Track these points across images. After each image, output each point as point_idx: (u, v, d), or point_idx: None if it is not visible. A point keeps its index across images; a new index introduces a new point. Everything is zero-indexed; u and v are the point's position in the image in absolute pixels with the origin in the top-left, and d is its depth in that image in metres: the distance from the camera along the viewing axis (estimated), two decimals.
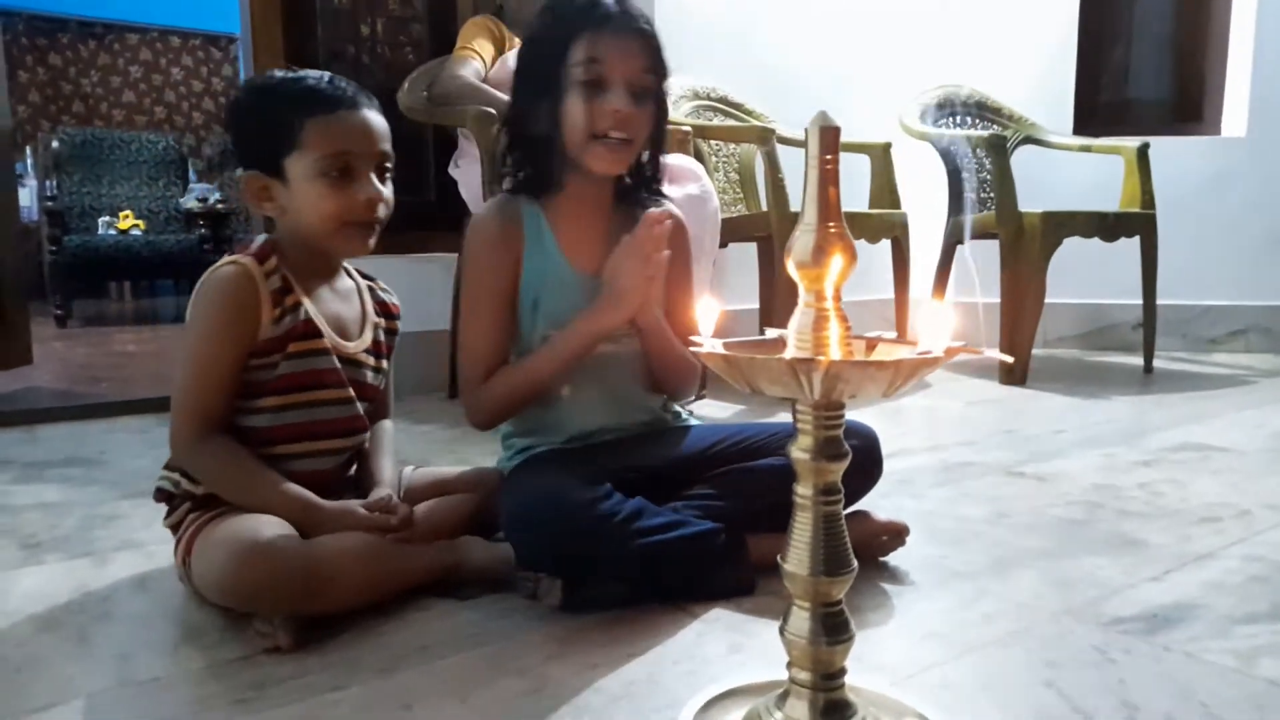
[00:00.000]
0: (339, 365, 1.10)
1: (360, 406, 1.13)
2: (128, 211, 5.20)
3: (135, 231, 5.06)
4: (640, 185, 1.17)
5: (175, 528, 1.07)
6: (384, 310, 1.20)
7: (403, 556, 1.04)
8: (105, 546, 1.26)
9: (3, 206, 2.65)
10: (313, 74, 1.07)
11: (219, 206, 5.14)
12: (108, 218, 5.12)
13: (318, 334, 1.08)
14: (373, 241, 1.09)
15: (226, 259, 1.06)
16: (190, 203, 5.25)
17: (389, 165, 1.09)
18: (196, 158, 6.67)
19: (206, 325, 1.03)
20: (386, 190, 1.09)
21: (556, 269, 1.12)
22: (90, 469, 1.72)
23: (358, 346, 1.13)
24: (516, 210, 1.13)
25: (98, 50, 7.31)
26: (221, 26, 7.58)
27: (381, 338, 1.18)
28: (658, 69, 1.07)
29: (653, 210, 1.07)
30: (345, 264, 1.17)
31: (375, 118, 1.07)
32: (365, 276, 1.21)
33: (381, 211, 1.08)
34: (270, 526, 0.96)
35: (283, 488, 1.03)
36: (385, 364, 1.19)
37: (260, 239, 1.08)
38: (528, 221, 1.13)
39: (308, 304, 1.08)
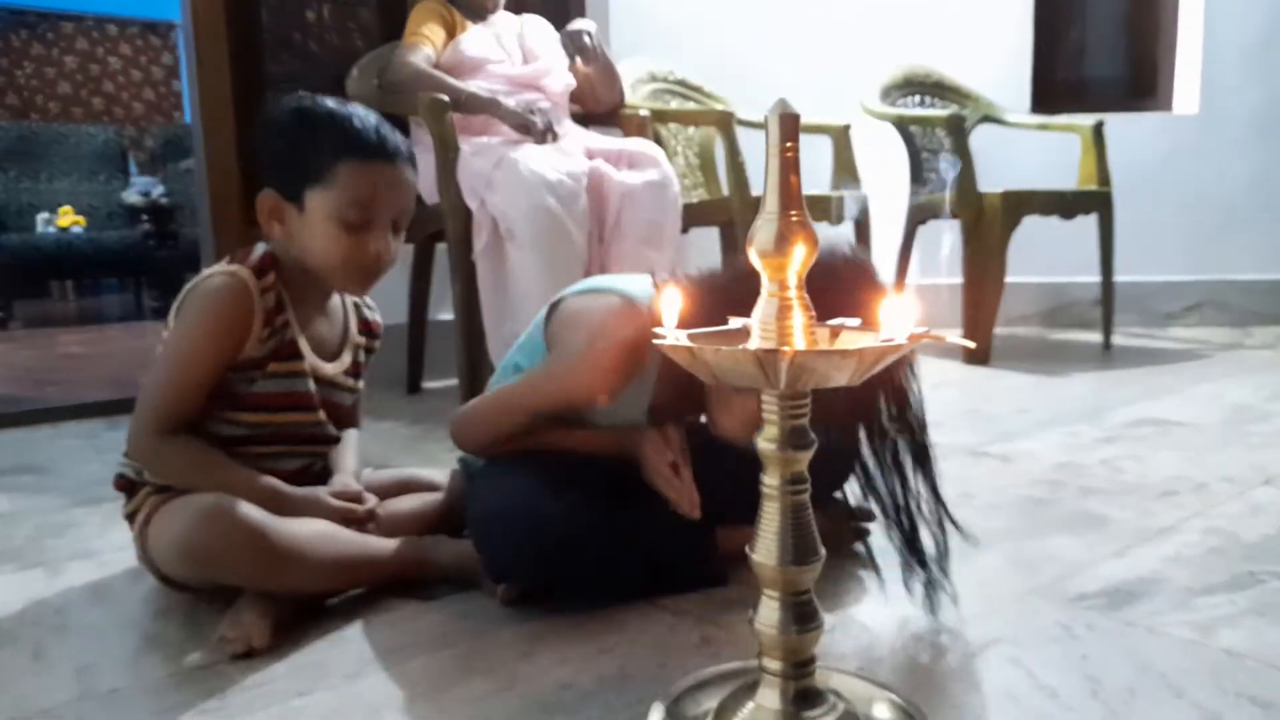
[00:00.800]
0: (313, 389, 1.09)
1: (330, 427, 1.13)
2: (67, 208, 5.04)
3: (76, 229, 4.92)
4: None
5: (133, 515, 1.05)
6: (366, 329, 1.19)
7: (367, 543, 1.03)
8: (58, 556, 1.22)
9: None
10: (360, 112, 1.04)
11: (163, 200, 5.00)
12: (46, 214, 4.97)
13: (299, 356, 1.07)
14: (369, 287, 1.08)
15: (223, 266, 1.03)
16: (133, 197, 5.09)
17: (405, 222, 1.08)
18: (138, 150, 6.50)
19: (194, 330, 1.01)
20: (396, 244, 1.08)
21: (644, 401, 1.09)
22: (40, 476, 1.67)
23: (336, 369, 1.12)
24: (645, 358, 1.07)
25: (30, 40, 7.07)
26: (160, 14, 7.37)
27: (361, 358, 1.17)
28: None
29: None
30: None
31: (408, 175, 1.06)
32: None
33: (385, 267, 1.07)
34: (232, 498, 0.95)
35: (248, 474, 1.02)
36: (359, 383, 1.18)
37: (260, 249, 1.05)
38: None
39: (295, 326, 1.06)
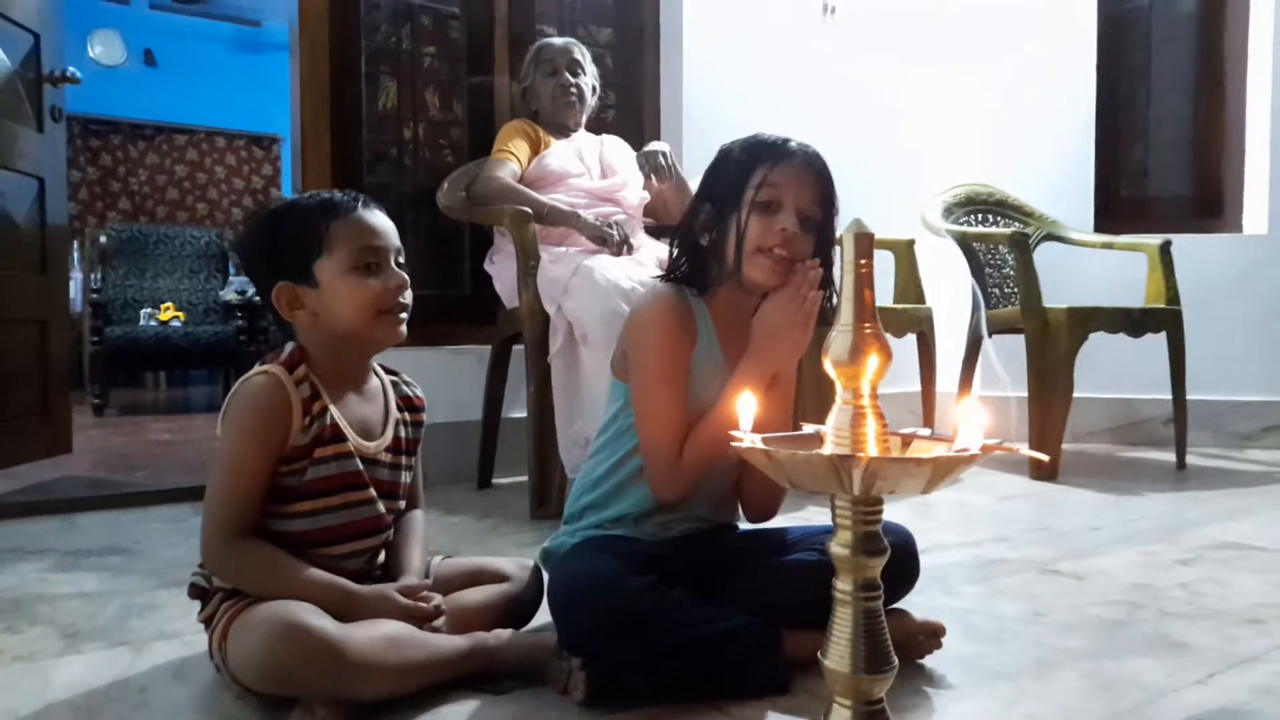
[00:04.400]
0: (361, 467, 1.13)
1: (382, 505, 1.16)
2: (169, 304, 5.35)
3: (175, 323, 5.20)
4: None
5: (209, 620, 1.08)
6: (407, 404, 1.23)
7: (437, 645, 1.04)
8: (143, 636, 1.27)
9: (56, 301, 2.75)
10: (320, 191, 1.16)
11: (256, 299, 5.28)
12: (149, 309, 5.28)
13: (343, 438, 1.11)
14: (404, 329, 1.15)
15: (257, 369, 1.10)
16: (229, 295, 5.39)
17: (401, 259, 1.16)
18: (237, 252, 6.90)
19: (240, 432, 1.06)
20: (406, 278, 1.15)
21: (715, 358, 1.19)
22: (127, 558, 1.74)
23: (378, 446, 1.16)
24: (687, 301, 1.21)
25: (146, 150, 7.66)
26: (265, 128, 7.94)
27: (404, 434, 1.21)
28: (826, 204, 1.17)
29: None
30: (371, 362, 1.21)
31: (385, 217, 1.16)
32: (390, 371, 1.25)
33: (408, 296, 1.14)
34: (305, 610, 0.97)
35: (317, 574, 1.05)
36: (409, 459, 1.21)
37: (289, 347, 1.13)
38: (697, 314, 1.21)
39: (333, 409, 1.11)
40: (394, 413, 1.20)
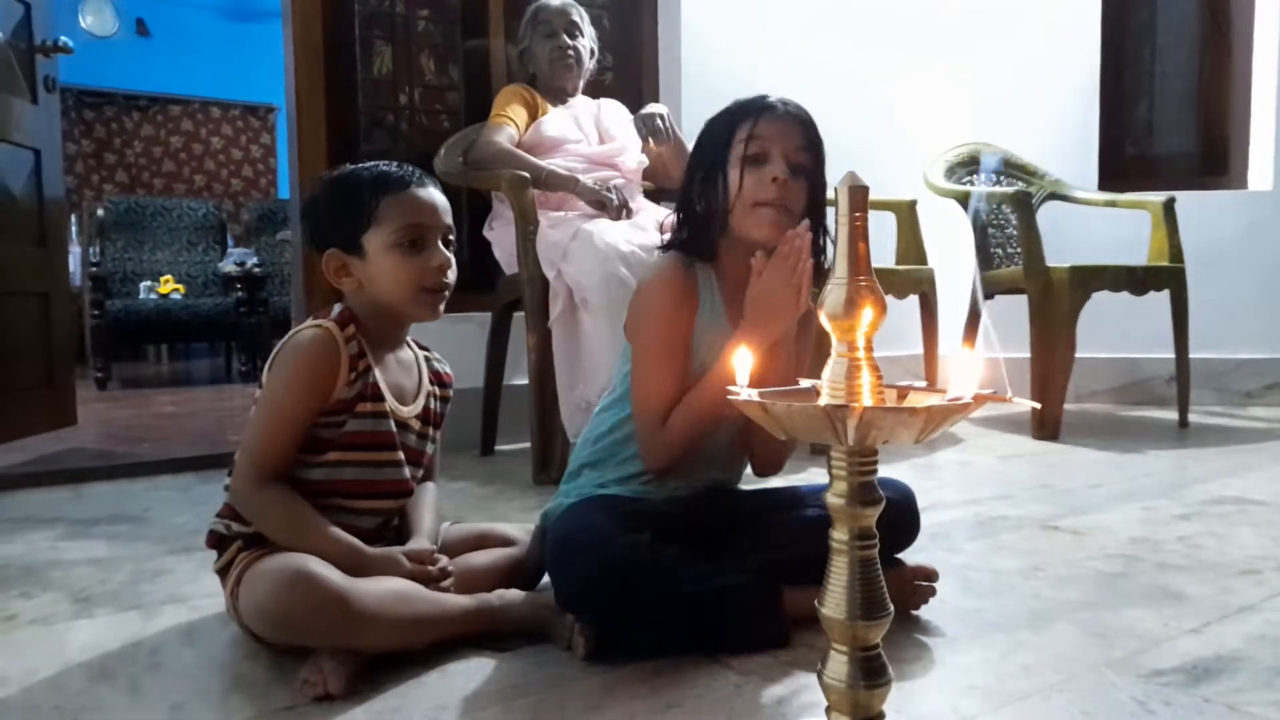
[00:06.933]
0: (394, 429, 1.16)
1: (408, 470, 1.19)
2: (168, 276, 5.35)
3: (175, 295, 5.20)
4: None
5: (224, 570, 1.11)
6: (437, 380, 1.27)
7: (442, 601, 1.06)
8: (153, 600, 1.29)
9: (56, 274, 2.75)
10: (382, 163, 1.18)
11: (255, 270, 5.28)
12: (149, 282, 5.28)
13: (381, 398, 1.15)
14: (442, 308, 1.17)
15: (310, 322, 1.13)
16: (228, 267, 5.39)
17: (452, 238, 1.18)
18: (234, 223, 6.88)
19: (289, 380, 1.10)
20: (450, 257, 1.17)
21: (720, 324, 1.19)
22: (136, 525, 1.76)
23: (410, 411, 1.19)
24: (692, 267, 1.21)
25: (141, 121, 7.62)
26: (261, 97, 7.88)
27: (434, 405, 1.24)
28: (813, 150, 1.18)
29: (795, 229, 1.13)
30: (407, 335, 1.24)
31: (439, 195, 1.18)
32: (422, 347, 1.28)
33: (450, 276, 1.16)
34: (314, 561, 1.00)
35: (331, 531, 1.08)
36: (434, 431, 1.25)
37: (338, 308, 1.16)
38: (701, 278, 1.21)
39: (376, 370, 1.15)
40: (426, 385, 1.24)
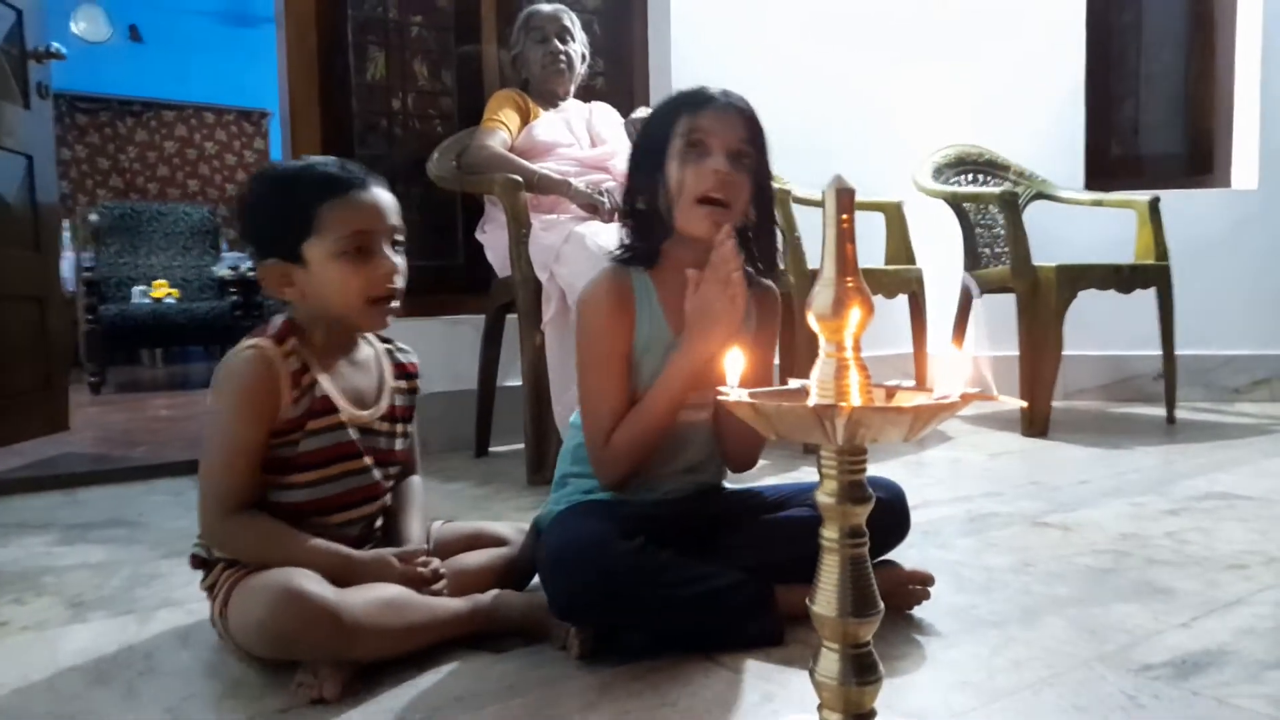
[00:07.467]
0: (355, 437, 1.13)
1: (378, 473, 1.16)
2: (162, 280, 5.34)
3: (169, 299, 5.20)
4: (748, 260, 1.20)
5: (211, 589, 1.09)
6: (401, 372, 1.22)
7: (434, 606, 1.06)
8: (148, 604, 1.29)
9: (51, 278, 2.75)
10: (319, 160, 1.11)
11: (249, 273, 5.28)
12: (143, 286, 5.27)
13: (334, 410, 1.10)
14: (391, 317, 1.12)
15: (246, 343, 1.08)
16: (222, 270, 5.39)
17: (400, 238, 1.12)
18: (228, 227, 6.88)
19: (228, 408, 1.05)
20: (400, 261, 1.12)
21: (661, 334, 1.17)
22: (131, 530, 1.76)
23: (373, 414, 1.15)
24: (628, 278, 1.18)
25: (135, 127, 7.61)
26: (255, 102, 7.89)
27: (399, 401, 1.20)
28: (755, 141, 1.15)
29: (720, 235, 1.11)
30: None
31: (385, 195, 1.11)
32: (383, 339, 1.23)
33: (399, 282, 1.11)
34: (303, 576, 0.98)
35: (314, 543, 1.06)
36: (405, 427, 1.21)
37: (279, 320, 1.11)
38: (638, 288, 1.18)
39: (324, 381, 1.10)
40: (389, 381, 1.19)
